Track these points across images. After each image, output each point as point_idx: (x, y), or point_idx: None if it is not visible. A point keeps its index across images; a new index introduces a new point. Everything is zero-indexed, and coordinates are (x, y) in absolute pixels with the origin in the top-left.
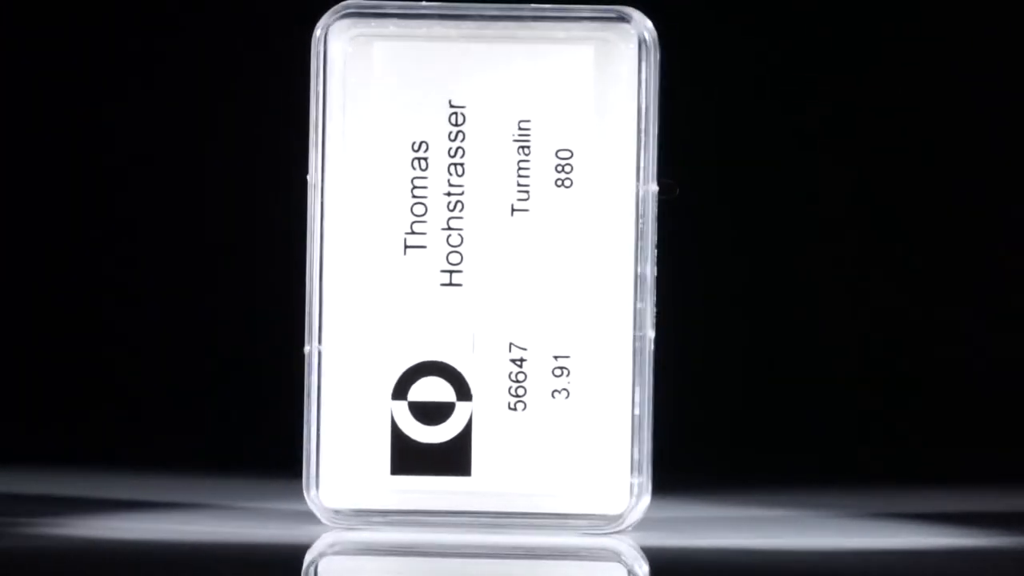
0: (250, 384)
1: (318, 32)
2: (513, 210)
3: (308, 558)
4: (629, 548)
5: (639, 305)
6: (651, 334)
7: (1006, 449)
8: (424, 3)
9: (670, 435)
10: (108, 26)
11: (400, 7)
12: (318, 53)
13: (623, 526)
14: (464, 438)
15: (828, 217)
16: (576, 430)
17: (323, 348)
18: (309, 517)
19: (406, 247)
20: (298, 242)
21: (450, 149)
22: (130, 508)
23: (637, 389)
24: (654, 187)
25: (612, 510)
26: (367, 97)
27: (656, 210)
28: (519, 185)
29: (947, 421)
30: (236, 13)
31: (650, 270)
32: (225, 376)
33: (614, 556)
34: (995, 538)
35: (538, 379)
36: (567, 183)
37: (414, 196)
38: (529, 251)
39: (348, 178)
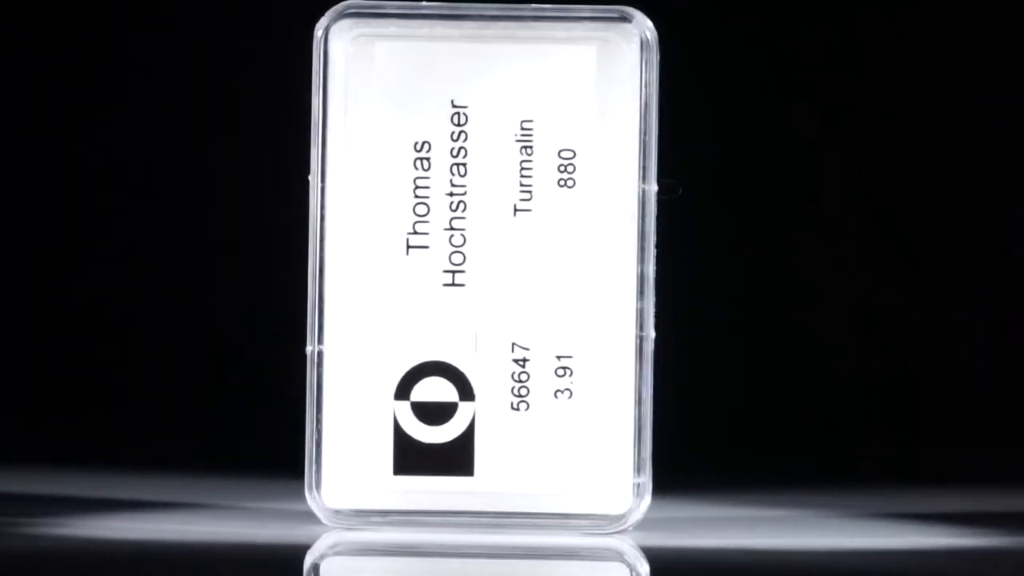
0: (252, 384)
1: (319, 32)
2: (516, 210)
3: (311, 558)
4: (629, 548)
5: (642, 305)
6: (652, 334)
7: (1006, 449)
8: (426, 3)
9: (670, 435)
10: (108, 26)
11: (401, 7)
12: (319, 53)
13: (626, 526)
14: (467, 438)
15: (828, 217)
16: (579, 430)
17: (326, 348)
18: (312, 517)
19: (408, 247)
20: (300, 242)
21: (452, 149)
22: (130, 508)
23: (640, 389)
24: (656, 187)
25: (615, 510)
26: (369, 97)
27: (656, 210)
28: (521, 185)
29: (947, 421)
30: (236, 13)
31: (652, 270)
32: (226, 376)
33: (617, 556)
34: (995, 538)
35: (541, 379)
36: (570, 183)
37: (416, 196)
38: (532, 251)
39: (350, 178)
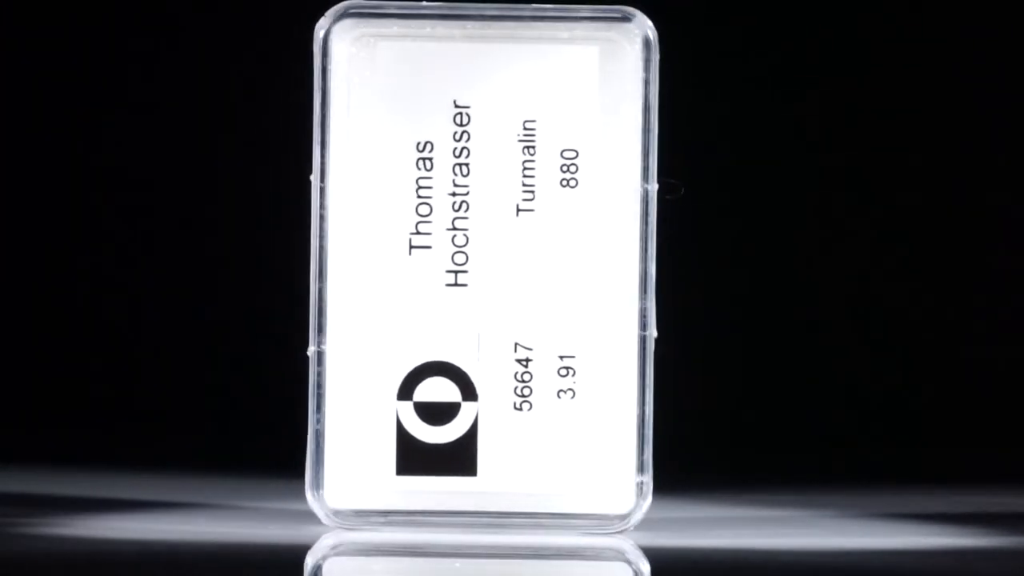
0: (252, 385)
1: (321, 33)
2: (518, 210)
3: (313, 559)
4: (631, 548)
5: (645, 305)
6: (655, 334)
7: (1006, 449)
8: (428, 3)
9: (670, 435)
10: (108, 26)
11: (403, 7)
12: (321, 53)
13: (628, 525)
14: (470, 438)
15: (829, 217)
16: (581, 430)
17: (328, 348)
18: (313, 518)
19: (411, 247)
20: (301, 242)
21: (455, 149)
22: (130, 508)
23: (642, 389)
24: (658, 187)
25: (618, 509)
26: (371, 97)
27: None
28: (524, 185)
29: (947, 421)
30: (235, 13)
31: (654, 269)
32: (227, 376)
33: (620, 556)
34: (995, 538)
35: (543, 379)
36: (572, 183)
37: (419, 196)
38: (535, 251)
39: (353, 179)
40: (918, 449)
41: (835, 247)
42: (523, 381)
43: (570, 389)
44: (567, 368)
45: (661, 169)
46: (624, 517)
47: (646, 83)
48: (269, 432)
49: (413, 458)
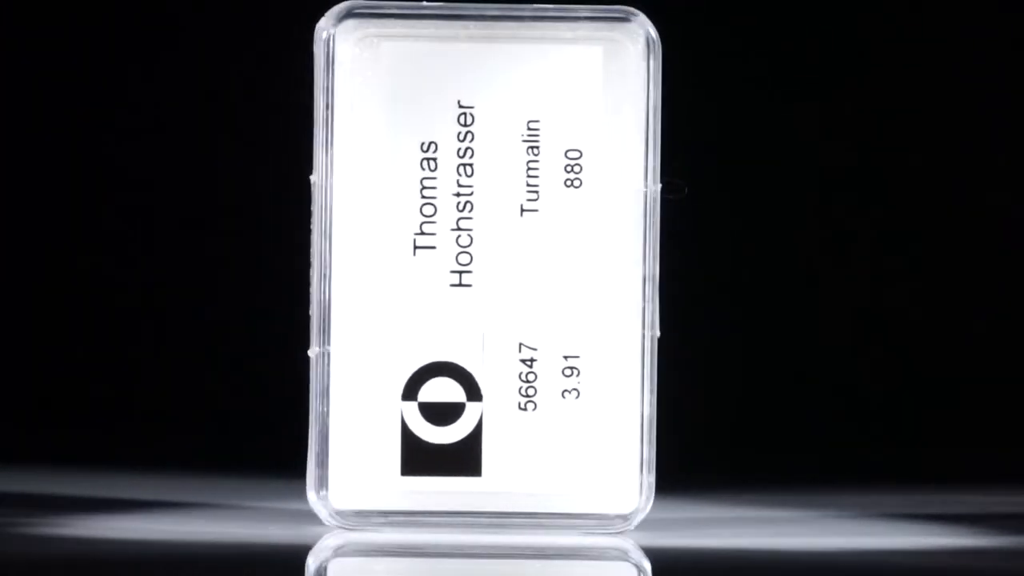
0: (254, 385)
1: (324, 34)
2: (522, 210)
3: (317, 560)
4: (633, 548)
5: (649, 305)
6: (658, 333)
7: (1006, 449)
8: (430, 3)
9: (670, 435)
10: (109, 26)
11: (405, 7)
12: (324, 54)
13: (632, 525)
14: (474, 438)
15: (829, 217)
16: (587, 430)
17: (332, 349)
18: (317, 519)
19: (415, 248)
20: (302, 243)
21: (459, 149)
22: (130, 508)
23: (646, 388)
24: (660, 187)
25: (622, 509)
26: (375, 98)
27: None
28: (528, 185)
29: (947, 421)
30: (235, 12)
31: (658, 269)
32: (228, 376)
33: (624, 556)
34: (995, 538)
35: (548, 379)
36: (576, 183)
37: (423, 196)
38: (539, 251)
39: (357, 179)
40: (918, 449)
41: (836, 247)
42: (527, 381)
43: (574, 389)
44: (571, 368)
45: (664, 169)
46: (628, 517)
47: (649, 83)
48: (269, 432)
49: (418, 458)
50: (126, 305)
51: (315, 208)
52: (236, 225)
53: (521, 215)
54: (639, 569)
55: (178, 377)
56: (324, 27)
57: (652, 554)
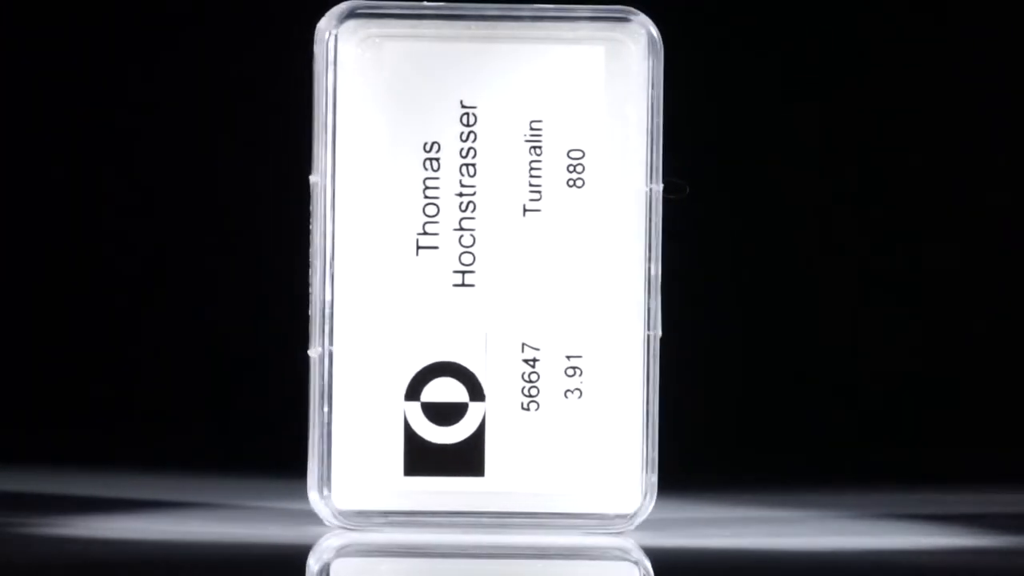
0: (254, 385)
1: (326, 34)
2: (525, 210)
3: (321, 560)
4: (634, 548)
5: (651, 305)
6: (660, 333)
7: (1006, 449)
8: (433, 3)
9: (670, 435)
10: (109, 26)
11: (407, 8)
12: (327, 54)
13: (634, 525)
14: (477, 439)
15: (830, 217)
16: (589, 430)
17: (336, 349)
18: (317, 519)
19: (418, 248)
20: (303, 243)
21: (462, 150)
22: (130, 508)
23: (649, 388)
24: (661, 187)
25: (625, 509)
26: (378, 98)
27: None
28: (531, 185)
29: (947, 421)
30: (235, 12)
31: (660, 269)
32: (228, 376)
33: (629, 556)
34: (995, 538)
35: (551, 379)
36: (579, 183)
37: (426, 197)
38: (541, 251)
39: (360, 179)
40: (918, 449)
41: (836, 247)
42: (530, 381)
43: (577, 389)
44: (574, 368)
45: (667, 169)
46: (631, 516)
47: (651, 83)
48: (269, 432)
49: (421, 459)
50: (126, 305)
51: (318, 208)
52: (236, 225)
53: (523, 215)
54: (641, 569)
55: (178, 377)
56: (326, 27)
57: (653, 554)
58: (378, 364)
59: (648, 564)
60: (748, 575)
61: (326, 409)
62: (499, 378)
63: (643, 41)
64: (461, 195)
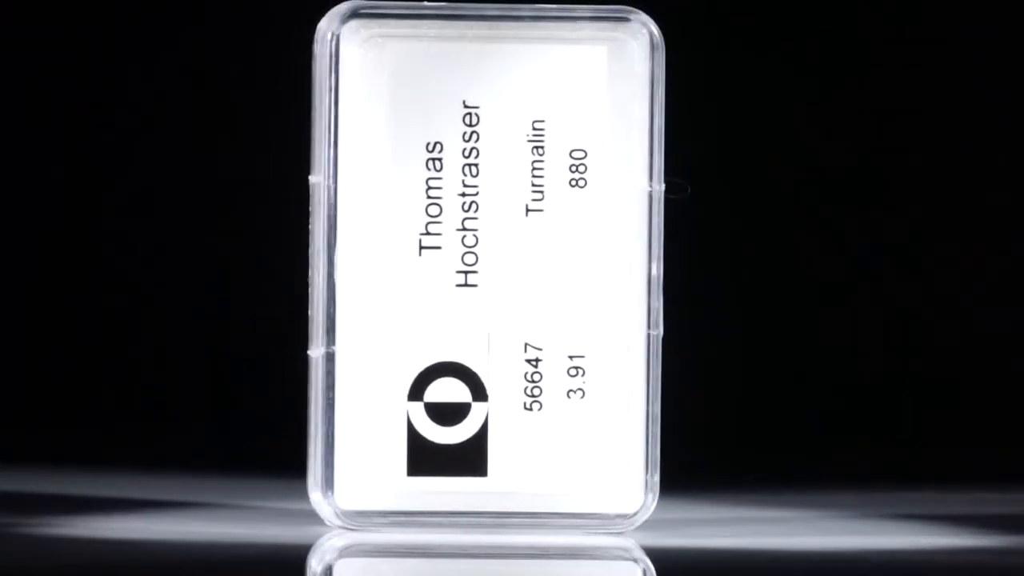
0: (254, 385)
1: (328, 34)
2: (528, 210)
3: (323, 560)
4: (637, 548)
5: (653, 304)
6: (660, 333)
7: (1006, 449)
8: (433, 3)
9: (670, 435)
10: (109, 26)
11: (410, 8)
12: (329, 54)
13: (636, 524)
14: (480, 439)
15: (831, 217)
16: (592, 430)
17: (338, 349)
18: (318, 519)
19: (421, 248)
20: (302, 243)
21: (464, 150)
22: (130, 508)
23: (651, 388)
24: (663, 187)
25: (628, 509)
26: (380, 98)
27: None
28: (533, 185)
29: (947, 421)
30: (235, 12)
31: (662, 269)
32: (229, 376)
33: (633, 556)
34: (995, 538)
35: (553, 379)
36: (581, 183)
37: (429, 197)
38: (544, 251)
39: (363, 180)
40: (918, 449)
41: (836, 247)
42: (533, 381)
43: (580, 389)
44: (577, 368)
45: (670, 169)
46: (633, 516)
47: (653, 83)
48: (269, 432)
49: (424, 459)
50: (126, 305)
51: (321, 208)
52: (236, 225)
53: (526, 215)
54: (644, 569)
55: (178, 377)
56: (328, 27)
57: (655, 554)
58: (381, 364)
59: (651, 564)
60: (748, 575)
61: (329, 409)
62: (502, 378)
63: (645, 41)
64: (464, 195)
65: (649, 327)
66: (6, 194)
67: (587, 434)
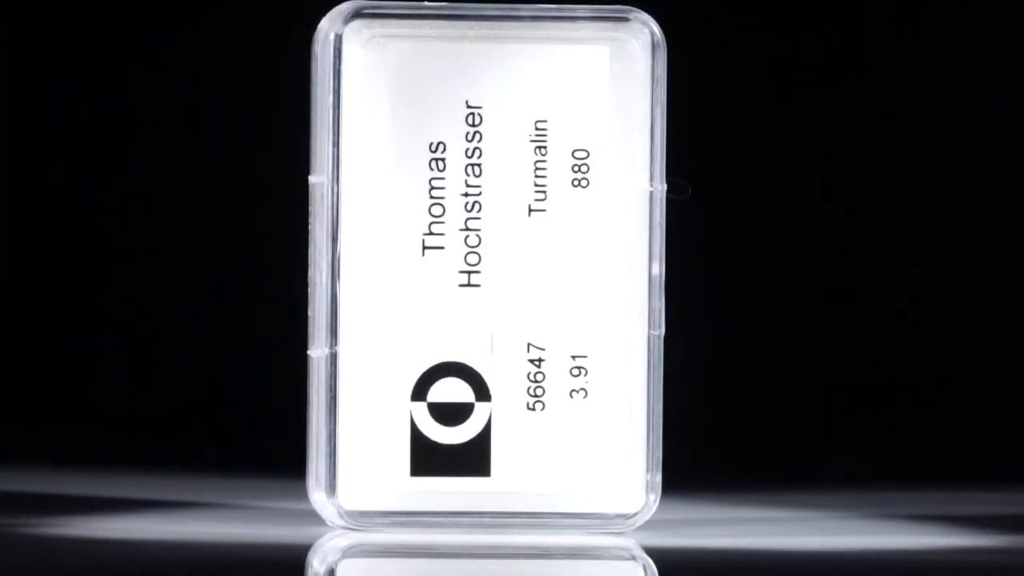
0: (256, 385)
1: (331, 35)
2: (530, 210)
3: (327, 561)
4: (641, 548)
5: (655, 304)
6: (662, 333)
7: (1006, 449)
8: (433, 4)
9: (671, 435)
10: (110, 26)
11: (412, 8)
12: (332, 54)
13: (638, 524)
14: (483, 439)
15: (830, 217)
16: (595, 429)
17: (341, 350)
18: (319, 519)
19: (424, 248)
20: (302, 242)
21: (467, 150)
22: (130, 508)
23: (654, 388)
24: (664, 187)
25: (631, 509)
26: (383, 99)
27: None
28: (536, 185)
29: (947, 421)
30: (235, 12)
31: (664, 269)
32: (229, 376)
33: (637, 555)
34: (995, 538)
35: (556, 379)
36: (583, 183)
37: (432, 197)
38: (546, 251)
39: (366, 180)
40: (918, 449)
41: (836, 246)
42: (536, 381)
43: (582, 389)
44: (579, 368)
45: (672, 169)
46: (635, 516)
47: (655, 83)
48: (269, 432)
49: (427, 459)
50: (126, 305)
51: (324, 209)
52: (236, 225)
53: (529, 215)
54: (647, 570)
55: (179, 377)
56: (331, 28)
57: (657, 554)
58: (384, 364)
59: (653, 564)
60: (748, 575)
61: (332, 409)
62: (505, 378)
63: (647, 41)
64: (467, 195)
65: (651, 327)
66: (6, 194)
67: (589, 434)
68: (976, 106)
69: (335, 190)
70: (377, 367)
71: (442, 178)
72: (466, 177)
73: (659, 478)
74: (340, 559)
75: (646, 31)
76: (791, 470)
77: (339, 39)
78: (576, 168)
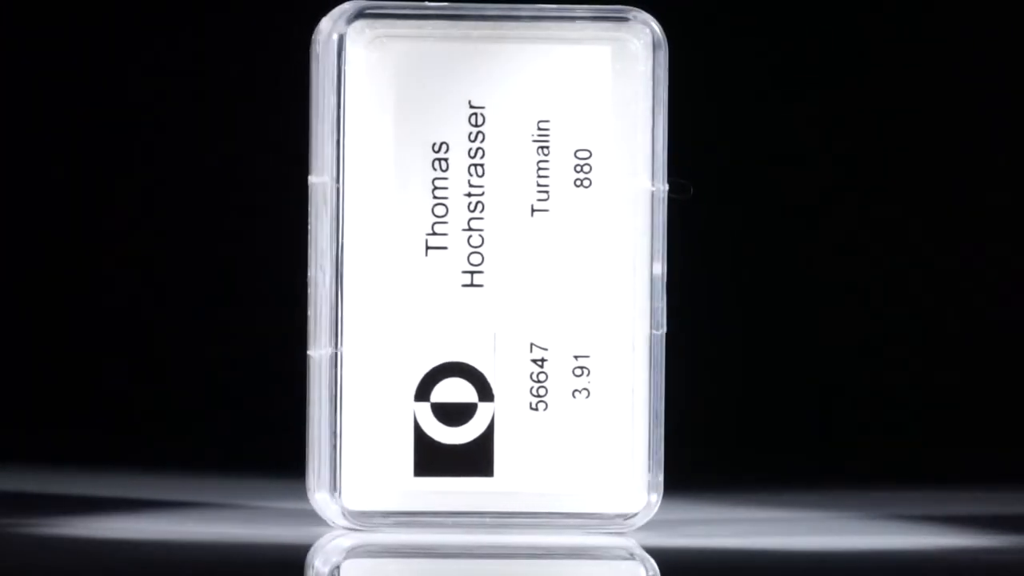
0: (256, 385)
1: (334, 35)
2: (533, 210)
3: (331, 561)
4: (644, 548)
5: (657, 304)
6: (664, 333)
7: (1006, 449)
8: (434, 4)
9: (672, 435)
10: (110, 26)
11: (415, 8)
12: (334, 55)
13: (641, 524)
14: (486, 439)
15: (831, 216)
16: (598, 429)
17: (345, 350)
18: (320, 519)
19: (427, 248)
20: (302, 242)
21: (470, 150)
22: (130, 508)
23: (656, 388)
24: (667, 187)
25: (634, 508)
26: (386, 99)
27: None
28: (539, 185)
29: (947, 421)
30: (235, 12)
31: (666, 269)
32: (229, 376)
33: (635, 555)
34: (995, 538)
35: (559, 379)
36: (586, 183)
37: (435, 197)
38: (549, 251)
39: (369, 180)
40: (918, 449)
41: (836, 246)
42: (539, 381)
43: (585, 389)
44: (582, 368)
45: (674, 169)
46: (636, 516)
47: (657, 83)
48: (270, 432)
49: (430, 459)
50: (126, 305)
51: (326, 209)
52: (236, 225)
53: (532, 215)
54: (649, 569)
55: (179, 377)
56: (333, 28)
57: (658, 554)
58: (387, 365)
59: (655, 564)
60: (748, 575)
61: (335, 410)
62: (508, 378)
63: (648, 40)
64: (470, 195)
65: (653, 327)
66: (6, 194)
67: (592, 434)
68: (976, 106)
69: (338, 190)
70: (380, 367)
71: (445, 178)
72: (469, 177)
73: (661, 478)
74: (343, 559)
75: (647, 31)
76: (791, 470)
77: (342, 39)
78: (578, 168)
